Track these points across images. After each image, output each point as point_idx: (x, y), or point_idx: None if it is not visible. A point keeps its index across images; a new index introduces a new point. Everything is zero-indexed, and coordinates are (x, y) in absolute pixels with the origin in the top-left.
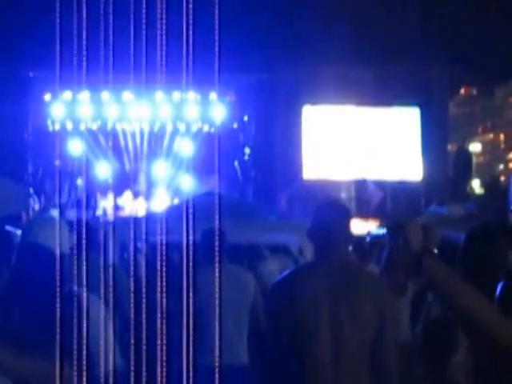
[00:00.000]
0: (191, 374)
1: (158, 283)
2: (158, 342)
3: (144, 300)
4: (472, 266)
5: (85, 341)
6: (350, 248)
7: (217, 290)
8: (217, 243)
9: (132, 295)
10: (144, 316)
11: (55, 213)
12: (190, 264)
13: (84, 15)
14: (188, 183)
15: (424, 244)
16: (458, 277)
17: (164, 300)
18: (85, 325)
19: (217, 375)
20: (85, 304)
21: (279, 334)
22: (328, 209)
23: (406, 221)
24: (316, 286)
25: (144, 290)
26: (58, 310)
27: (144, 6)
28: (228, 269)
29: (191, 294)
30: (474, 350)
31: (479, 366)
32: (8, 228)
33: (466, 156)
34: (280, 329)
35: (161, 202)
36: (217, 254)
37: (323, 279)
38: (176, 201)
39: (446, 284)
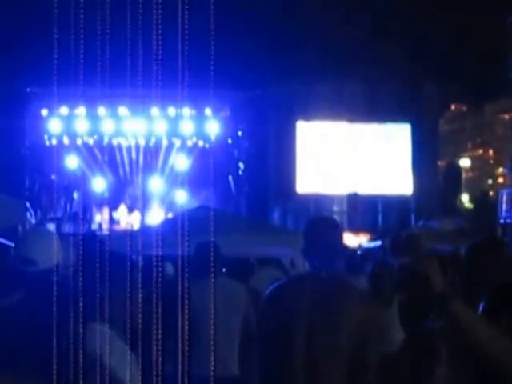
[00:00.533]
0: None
1: (154, 295)
2: (154, 352)
3: (140, 312)
4: (473, 278)
5: (81, 358)
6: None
7: (212, 301)
8: (212, 256)
9: (128, 307)
10: (140, 328)
11: (51, 226)
12: (185, 277)
13: (81, 31)
14: (182, 197)
15: (446, 286)
16: (480, 319)
17: (159, 312)
18: (81, 339)
19: None
20: (81, 317)
21: (268, 343)
22: (318, 223)
23: (424, 260)
24: (302, 297)
25: (139, 302)
26: (53, 325)
27: (140, 22)
28: (220, 281)
29: (186, 306)
30: (455, 361)
31: (459, 375)
32: (3, 241)
33: (455, 171)
34: (269, 338)
35: (155, 216)
36: (212, 266)
37: (310, 291)
38: (170, 215)
39: (470, 327)
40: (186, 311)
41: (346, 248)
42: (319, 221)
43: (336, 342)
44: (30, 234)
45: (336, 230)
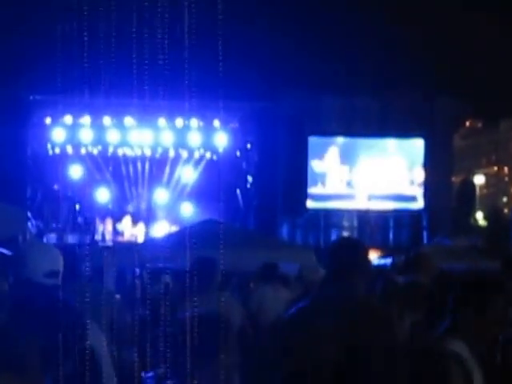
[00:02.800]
0: None
1: (162, 308)
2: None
3: (143, 324)
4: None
5: (86, 366)
6: None
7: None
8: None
9: (131, 320)
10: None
11: (53, 237)
12: (188, 290)
13: (86, 40)
14: (188, 210)
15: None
16: None
17: (164, 323)
18: (87, 352)
19: None
20: (86, 331)
21: (288, 367)
22: (347, 246)
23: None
24: (329, 320)
25: (142, 315)
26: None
27: (147, 32)
28: (215, 296)
29: (189, 320)
30: None
31: None
32: (4, 251)
33: (470, 188)
34: (290, 362)
35: (160, 229)
36: (210, 281)
37: (338, 314)
38: (175, 228)
39: None
40: (190, 324)
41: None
42: (345, 242)
43: (369, 365)
44: (27, 248)
45: (361, 251)
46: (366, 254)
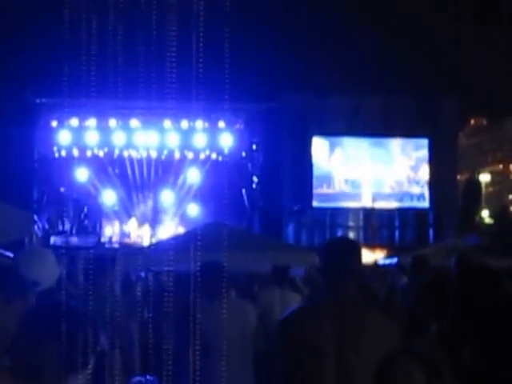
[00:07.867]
0: None
1: (164, 312)
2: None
3: (149, 328)
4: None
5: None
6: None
7: (222, 323)
8: (219, 276)
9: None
10: (150, 343)
11: (57, 239)
12: (195, 294)
13: (93, 43)
14: (194, 211)
15: None
16: None
17: (169, 328)
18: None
19: None
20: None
21: (285, 372)
22: (338, 246)
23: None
24: (324, 324)
25: (148, 318)
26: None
27: (154, 36)
28: (228, 302)
29: (197, 325)
30: None
31: None
32: (10, 255)
33: (475, 186)
34: (286, 366)
35: (166, 230)
36: (220, 287)
37: (332, 317)
38: (182, 229)
39: None
40: (198, 329)
41: (362, 271)
42: (338, 243)
43: (364, 371)
44: (26, 256)
45: (356, 253)
46: (356, 252)
